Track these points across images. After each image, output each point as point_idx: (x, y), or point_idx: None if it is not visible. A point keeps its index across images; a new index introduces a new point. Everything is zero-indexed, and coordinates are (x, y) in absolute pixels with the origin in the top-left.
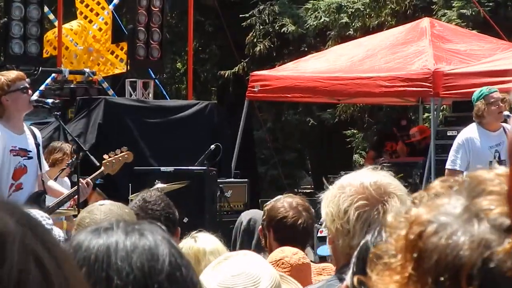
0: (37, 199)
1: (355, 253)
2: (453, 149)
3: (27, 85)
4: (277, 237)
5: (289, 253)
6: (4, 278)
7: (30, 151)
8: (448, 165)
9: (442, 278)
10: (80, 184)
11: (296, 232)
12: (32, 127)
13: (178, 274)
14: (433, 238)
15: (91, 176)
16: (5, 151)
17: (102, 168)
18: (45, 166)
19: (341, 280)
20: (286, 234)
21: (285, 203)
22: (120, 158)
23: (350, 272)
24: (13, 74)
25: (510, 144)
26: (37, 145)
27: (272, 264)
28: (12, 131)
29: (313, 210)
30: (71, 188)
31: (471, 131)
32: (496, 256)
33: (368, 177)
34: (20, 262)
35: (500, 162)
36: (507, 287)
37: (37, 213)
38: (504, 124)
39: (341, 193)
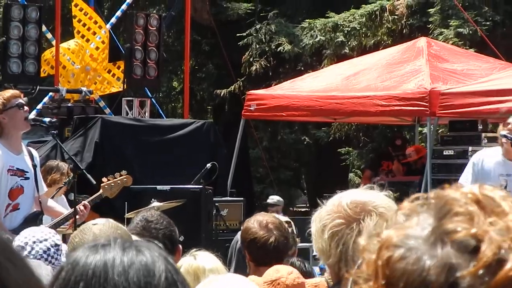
0: (34, 219)
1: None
2: (467, 165)
3: (23, 101)
4: (251, 258)
5: (285, 273)
6: None
7: (27, 172)
8: (460, 180)
9: None
10: (77, 207)
11: (267, 252)
12: (30, 148)
13: None
14: (400, 263)
15: (89, 199)
16: (2, 170)
17: (101, 191)
18: (44, 188)
19: None
20: (258, 255)
21: (255, 223)
22: (119, 182)
23: None
24: (8, 92)
25: None
26: (34, 166)
27: (268, 284)
28: (11, 150)
29: (285, 227)
30: (69, 205)
31: (487, 153)
32: (463, 280)
33: (348, 196)
34: None
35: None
36: None
37: (45, 230)
38: None
39: (321, 212)
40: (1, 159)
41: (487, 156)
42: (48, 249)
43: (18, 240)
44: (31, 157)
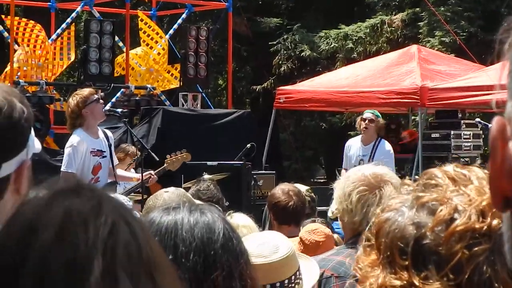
0: (111, 188)
1: None
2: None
3: (98, 96)
4: (274, 217)
5: (322, 227)
6: (101, 224)
7: (104, 151)
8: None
9: (385, 255)
10: (144, 175)
11: (287, 213)
12: (106, 130)
13: (230, 244)
14: (384, 224)
15: (156, 171)
16: (87, 152)
17: (165, 165)
18: (116, 161)
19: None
20: (280, 215)
21: (279, 190)
22: (179, 158)
23: None
24: (85, 91)
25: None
26: (110, 145)
27: (309, 232)
28: (92, 136)
29: (303, 195)
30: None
31: (352, 141)
32: (426, 235)
33: (368, 168)
34: (113, 217)
35: None
36: (435, 259)
37: (120, 197)
38: (383, 141)
39: (346, 181)
40: (86, 144)
41: (351, 144)
42: None
43: None
44: (107, 138)
